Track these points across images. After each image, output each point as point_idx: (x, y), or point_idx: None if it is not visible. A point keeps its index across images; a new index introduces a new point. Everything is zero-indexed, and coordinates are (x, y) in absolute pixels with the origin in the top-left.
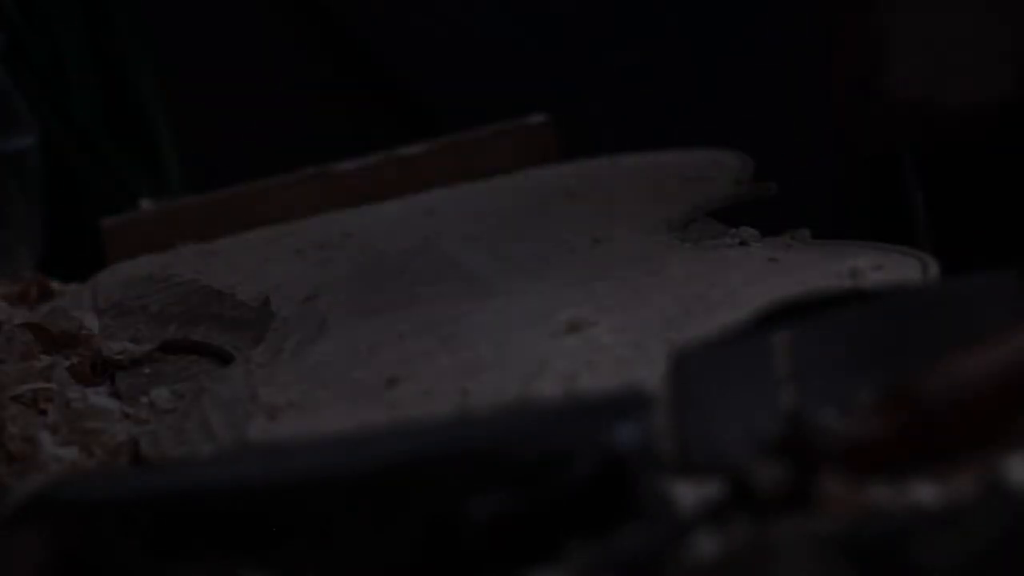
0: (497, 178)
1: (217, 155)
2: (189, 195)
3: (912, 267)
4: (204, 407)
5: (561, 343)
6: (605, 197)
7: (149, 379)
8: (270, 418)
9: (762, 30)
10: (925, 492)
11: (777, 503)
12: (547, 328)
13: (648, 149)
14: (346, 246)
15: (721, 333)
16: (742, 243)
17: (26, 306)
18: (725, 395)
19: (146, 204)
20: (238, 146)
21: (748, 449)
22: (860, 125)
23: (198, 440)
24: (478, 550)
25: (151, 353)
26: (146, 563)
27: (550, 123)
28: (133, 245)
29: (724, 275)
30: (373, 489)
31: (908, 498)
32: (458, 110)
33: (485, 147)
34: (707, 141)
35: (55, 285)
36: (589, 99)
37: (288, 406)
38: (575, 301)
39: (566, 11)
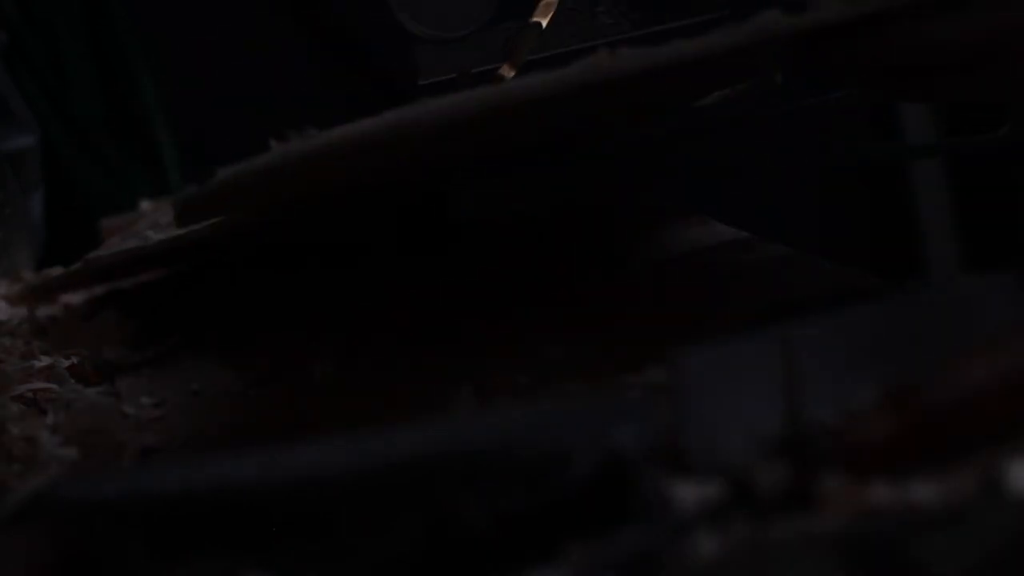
0: None
1: (217, 155)
2: None
3: None
4: None
5: None
6: None
7: (149, 379)
8: None
9: None
10: (925, 492)
11: (777, 503)
12: None
13: None
14: None
15: (722, 333)
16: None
17: (26, 306)
18: (726, 395)
19: (146, 204)
20: (238, 146)
21: (748, 449)
22: None
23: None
24: (478, 550)
25: (152, 354)
26: (146, 563)
27: None
28: None
29: None
30: (373, 489)
31: (908, 498)
32: None
33: None
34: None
35: None
36: None
37: None
38: None
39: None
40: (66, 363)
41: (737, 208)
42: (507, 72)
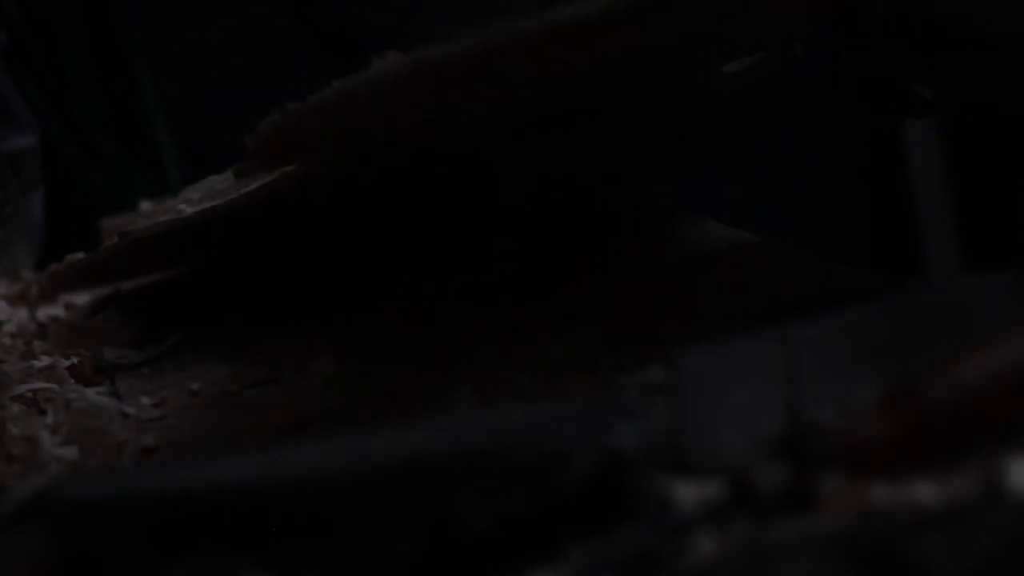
0: None
1: (217, 156)
2: None
3: None
4: None
5: None
6: None
7: (149, 379)
8: None
9: None
10: (925, 492)
11: (777, 503)
12: None
13: None
14: None
15: (722, 333)
16: None
17: (26, 306)
18: (725, 395)
19: (146, 204)
20: (238, 146)
21: (748, 449)
22: None
23: None
24: (478, 550)
25: (152, 354)
26: (146, 563)
27: None
28: None
29: None
30: (373, 489)
31: (908, 498)
32: None
33: None
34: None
35: None
36: None
37: None
38: None
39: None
40: (66, 363)
41: (737, 208)
42: None
